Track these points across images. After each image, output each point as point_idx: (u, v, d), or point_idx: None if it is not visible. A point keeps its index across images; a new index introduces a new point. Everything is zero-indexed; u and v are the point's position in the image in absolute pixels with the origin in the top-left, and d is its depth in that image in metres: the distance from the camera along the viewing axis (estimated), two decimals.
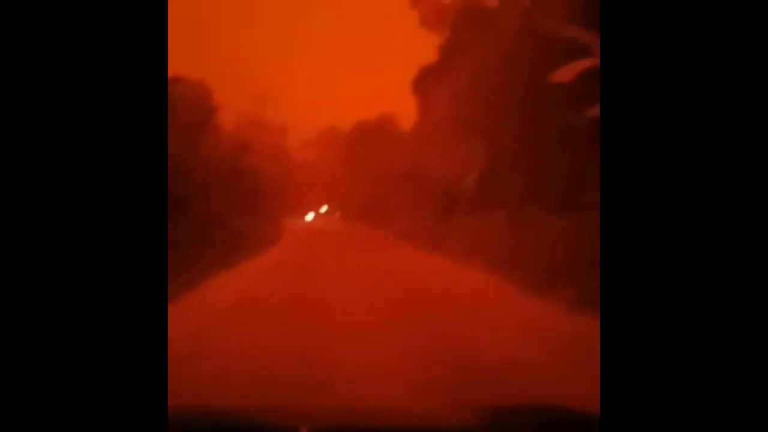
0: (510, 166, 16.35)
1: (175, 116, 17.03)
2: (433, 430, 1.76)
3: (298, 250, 19.90)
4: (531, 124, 14.64)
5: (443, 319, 8.02)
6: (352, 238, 26.32)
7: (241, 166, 24.15)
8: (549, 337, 6.76)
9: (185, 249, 12.17)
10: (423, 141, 30.30)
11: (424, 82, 28.31)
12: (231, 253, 16.72)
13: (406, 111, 41.20)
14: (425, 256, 17.71)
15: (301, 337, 6.75)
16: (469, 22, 21.52)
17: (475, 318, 8.23)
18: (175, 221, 11.43)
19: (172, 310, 5.54)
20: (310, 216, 53.25)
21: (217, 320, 7.97)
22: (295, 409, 2.37)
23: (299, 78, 79.54)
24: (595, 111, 7.76)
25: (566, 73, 9.44)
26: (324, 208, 56.03)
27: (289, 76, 78.87)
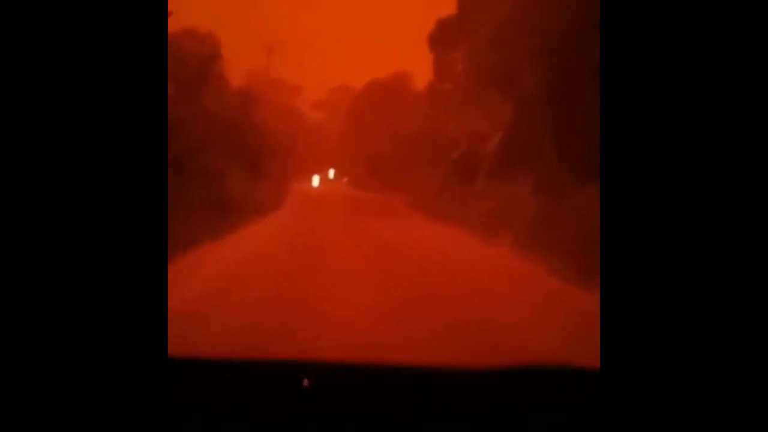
0: (538, 123, 14.38)
1: (181, 68, 16.23)
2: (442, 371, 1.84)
3: (300, 221, 17.82)
4: (559, 69, 12.70)
5: (461, 311, 6.64)
6: (359, 205, 24.10)
7: (244, 122, 22.35)
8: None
9: (172, 210, 10.47)
10: (439, 100, 28.62)
11: (442, 36, 26.71)
12: (224, 218, 15.11)
13: (421, 69, 39.94)
14: (440, 229, 15.68)
15: (293, 331, 5.60)
16: None
17: (505, 310, 6.57)
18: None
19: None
20: (315, 180, 51.03)
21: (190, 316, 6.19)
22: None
23: (311, 34, 76.68)
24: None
25: None
26: (332, 173, 53.58)
27: (300, 31, 76.17)
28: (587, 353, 1.65)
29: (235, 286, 7.68)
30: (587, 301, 6.79)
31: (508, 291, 7.91)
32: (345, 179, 49.64)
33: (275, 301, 6.89)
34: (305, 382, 1.67)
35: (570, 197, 11.34)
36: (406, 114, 34.84)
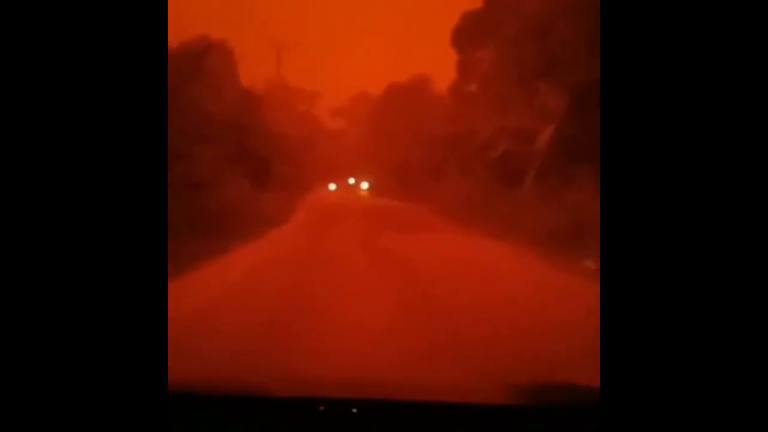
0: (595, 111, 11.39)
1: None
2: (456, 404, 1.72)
3: (308, 237, 14.78)
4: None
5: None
6: (380, 217, 20.80)
7: (249, 124, 19.60)
8: None
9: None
10: (466, 99, 25.87)
11: (466, 32, 24.77)
12: (219, 234, 12.42)
13: (441, 71, 37.86)
14: (483, 243, 12.76)
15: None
16: None
17: None
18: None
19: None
20: (332, 186, 47.92)
21: None
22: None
23: (328, 41, 74.27)
24: None
25: None
26: (351, 180, 50.18)
27: (314, 35, 73.85)
28: None
29: (223, 316, 6.46)
30: None
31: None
32: (366, 188, 46.39)
33: (266, 338, 5.48)
34: (320, 408, 1.64)
35: None
36: (429, 117, 32.29)
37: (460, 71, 27.38)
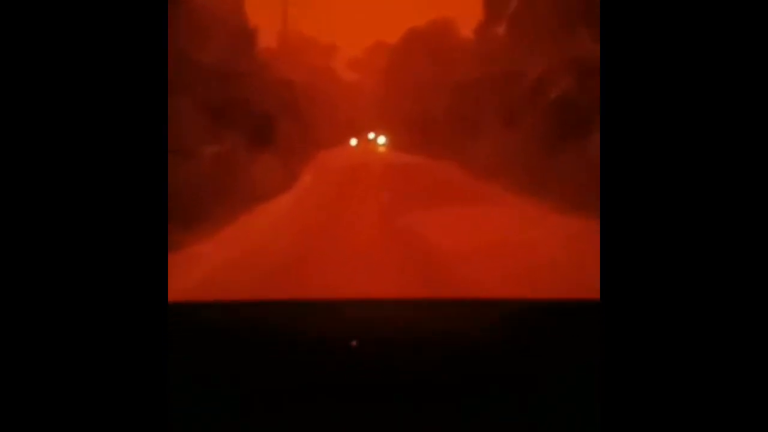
0: None
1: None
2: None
3: (309, 211, 11.48)
4: None
5: None
6: (402, 178, 17.30)
7: (245, 73, 16.44)
8: None
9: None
10: (499, 39, 22.48)
11: None
12: (214, 202, 9.71)
13: (465, 13, 34.54)
14: (542, 218, 9.57)
15: None
16: None
17: None
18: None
19: None
20: (353, 141, 44.37)
21: None
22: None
23: None
24: None
25: None
26: (371, 135, 46.36)
27: None
28: None
29: None
30: None
31: None
32: (383, 143, 42.69)
33: None
34: (353, 343, 1.56)
35: None
36: (453, 62, 28.85)
37: (487, 9, 24.37)
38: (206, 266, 7.02)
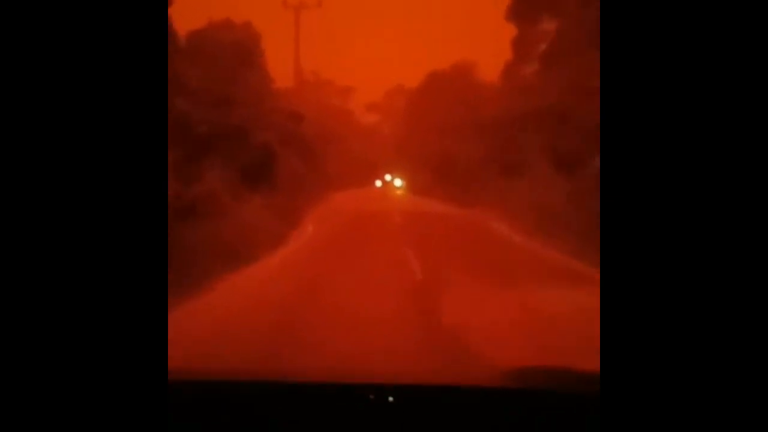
0: None
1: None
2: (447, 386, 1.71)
3: (305, 276, 8.81)
4: None
5: None
6: (424, 233, 13.56)
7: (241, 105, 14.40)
8: None
9: None
10: (528, 78, 20.69)
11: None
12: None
13: (488, 55, 33.52)
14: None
15: None
16: None
17: None
18: None
19: None
20: (376, 183, 41.93)
21: None
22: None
23: (362, 31, 69.09)
24: None
25: None
26: (388, 177, 43.75)
27: (350, 29, 68.77)
28: None
29: None
30: None
31: None
32: (402, 186, 39.87)
33: None
34: (371, 396, 1.59)
35: None
36: (477, 103, 27.01)
37: (516, 48, 23.60)
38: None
